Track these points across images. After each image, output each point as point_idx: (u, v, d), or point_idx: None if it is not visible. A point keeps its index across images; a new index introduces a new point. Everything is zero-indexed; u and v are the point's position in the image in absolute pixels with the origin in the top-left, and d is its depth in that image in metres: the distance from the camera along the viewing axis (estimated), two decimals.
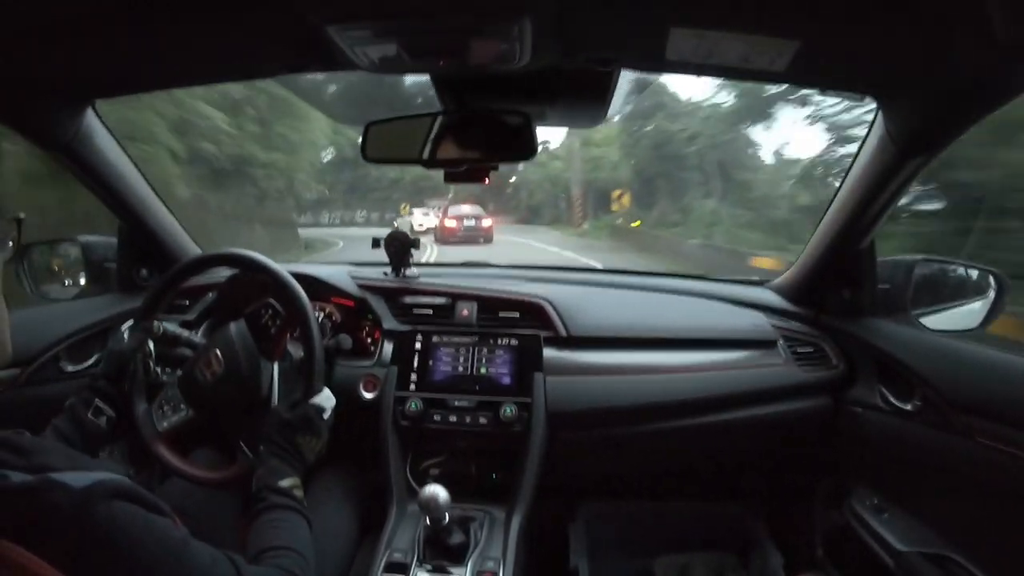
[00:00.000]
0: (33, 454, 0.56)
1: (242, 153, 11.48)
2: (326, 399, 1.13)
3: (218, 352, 1.15)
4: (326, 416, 1.11)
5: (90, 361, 1.47)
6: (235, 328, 1.19)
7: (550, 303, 1.49)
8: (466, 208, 16.56)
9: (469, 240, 15.06)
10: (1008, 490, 1.04)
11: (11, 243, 0.70)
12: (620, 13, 0.86)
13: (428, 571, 1.15)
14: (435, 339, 1.45)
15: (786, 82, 1.05)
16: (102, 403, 1.09)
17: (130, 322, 1.23)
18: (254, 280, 1.40)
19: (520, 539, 1.25)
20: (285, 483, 0.96)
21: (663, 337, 1.47)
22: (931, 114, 1.05)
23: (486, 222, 15.92)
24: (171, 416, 1.19)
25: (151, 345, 1.19)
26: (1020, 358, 1.08)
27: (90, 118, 1.31)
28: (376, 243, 1.64)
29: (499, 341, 1.43)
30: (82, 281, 1.59)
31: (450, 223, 15.47)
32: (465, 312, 1.51)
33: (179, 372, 1.22)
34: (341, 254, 13.92)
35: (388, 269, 1.64)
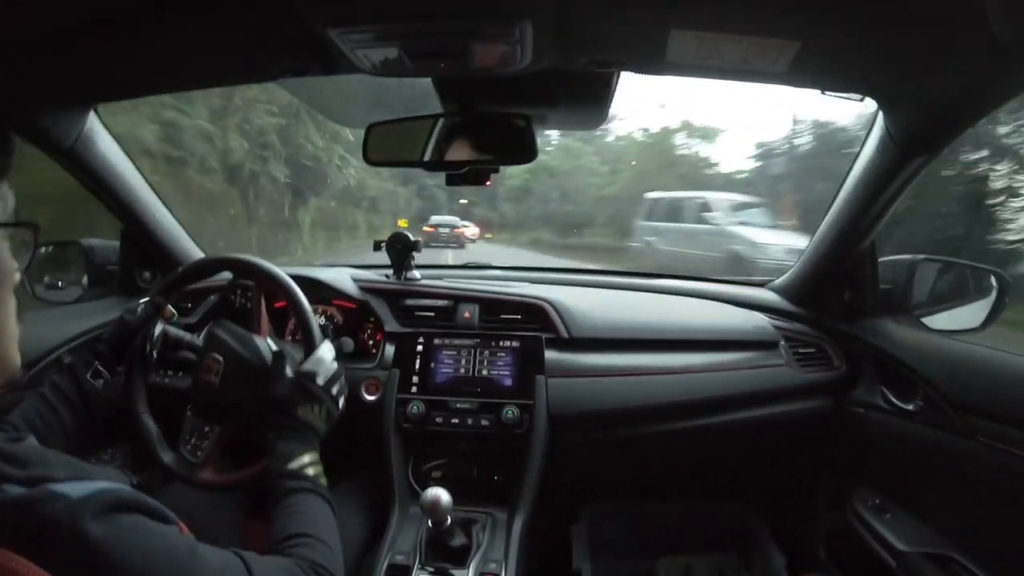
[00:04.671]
0: (32, 465, 0.54)
1: None
2: (314, 363, 1.08)
3: (213, 353, 1.15)
4: (319, 380, 1.06)
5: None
6: (216, 325, 1.19)
7: (551, 305, 1.49)
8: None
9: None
10: (1010, 490, 1.03)
11: (29, 251, 0.69)
12: (620, 16, 0.87)
13: (430, 573, 1.15)
14: (437, 341, 1.45)
15: (786, 83, 1.05)
16: (101, 366, 1.09)
17: (146, 298, 1.21)
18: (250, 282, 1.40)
19: (522, 541, 1.25)
20: (295, 464, 0.93)
21: (665, 338, 1.47)
22: (931, 114, 1.05)
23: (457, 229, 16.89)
24: (202, 445, 1.16)
25: (157, 334, 1.18)
26: (1022, 357, 1.08)
27: (92, 122, 1.32)
28: (377, 246, 1.64)
29: (500, 343, 1.43)
30: (84, 284, 1.59)
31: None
32: (467, 314, 1.51)
33: (181, 373, 1.21)
34: None
35: (389, 271, 1.64)
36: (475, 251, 14.53)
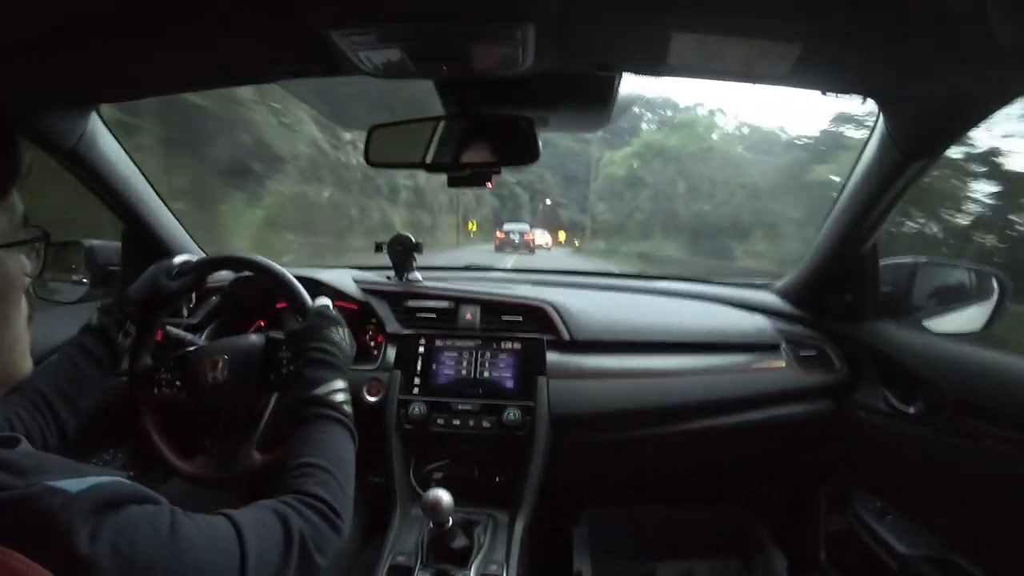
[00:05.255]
0: (30, 473, 0.54)
1: None
2: (321, 299, 1.12)
3: (226, 358, 1.16)
4: (333, 311, 1.09)
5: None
6: (251, 344, 1.19)
7: (553, 307, 1.49)
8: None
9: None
10: (1012, 493, 1.03)
11: (39, 258, 0.69)
12: (621, 18, 0.87)
13: (431, 575, 1.15)
14: (438, 343, 1.46)
15: (787, 85, 1.05)
16: (131, 326, 1.10)
17: (186, 256, 1.22)
18: (258, 282, 1.40)
19: (523, 543, 1.25)
20: (320, 390, 0.92)
21: (666, 341, 1.47)
22: (932, 117, 1.05)
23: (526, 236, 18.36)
24: (164, 388, 1.20)
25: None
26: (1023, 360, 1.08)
27: (94, 122, 1.32)
28: (379, 247, 1.64)
29: (502, 345, 1.43)
30: (87, 285, 1.59)
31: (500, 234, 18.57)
32: (468, 316, 1.51)
33: (190, 348, 1.23)
34: None
35: (391, 273, 1.64)
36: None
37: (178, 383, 1.20)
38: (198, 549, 0.59)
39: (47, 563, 0.48)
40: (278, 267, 1.19)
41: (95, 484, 0.55)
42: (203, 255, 1.68)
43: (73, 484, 0.53)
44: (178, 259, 1.21)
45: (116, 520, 0.54)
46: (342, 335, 1.04)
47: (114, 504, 0.55)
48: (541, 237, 19.80)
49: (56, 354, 1.03)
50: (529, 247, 17.64)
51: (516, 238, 17.61)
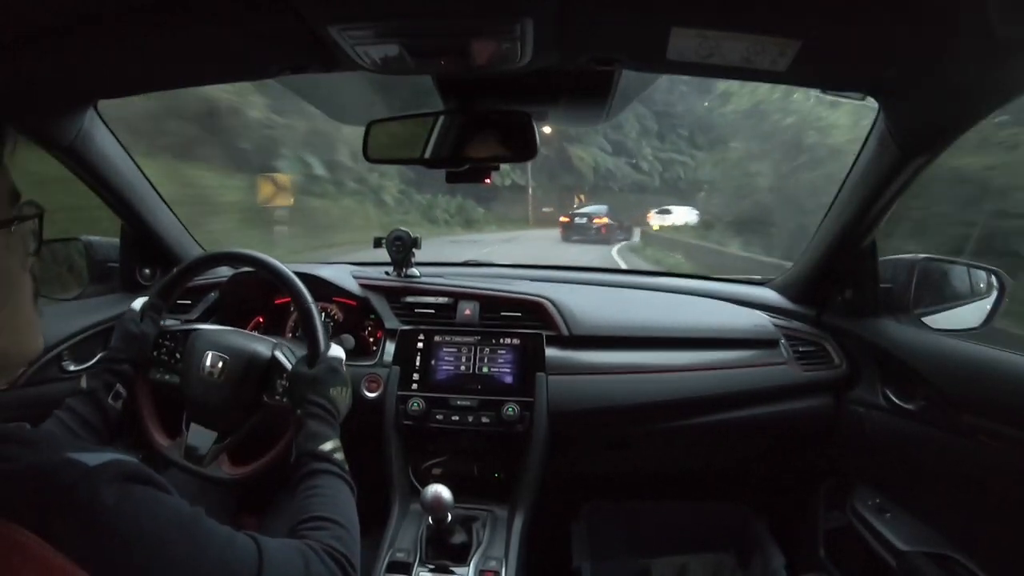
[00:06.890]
0: (40, 446, 0.54)
1: None
2: (335, 350, 1.12)
3: (227, 359, 1.15)
4: (344, 368, 1.10)
5: (93, 361, 1.47)
6: (255, 355, 1.17)
7: (552, 302, 1.49)
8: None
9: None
10: (1010, 490, 1.04)
11: (36, 238, 0.69)
12: (621, 13, 0.86)
13: (430, 570, 1.15)
14: (437, 338, 1.45)
15: (787, 82, 1.05)
16: (122, 387, 1.10)
17: (143, 299, 1.22)
18: (257, 279, 1.40)
19: (522, 538, 1.25)
20: (326, 447, 0.94)
21: (665, 336, 1.47)
22: (932, 114, 1.05)
23: (597, 220, 15.92)
24: (163, 355, 1.20)
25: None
26: (1023, 357, 1.08)
27: (92, 118, 1.32)
28: (378, 242, 1.64)
29: (501, 340, 1.43)
30: (85, 281, 1.59)
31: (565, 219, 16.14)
32: (467, 311, 1.51)
33: (198, 327, 1.23)
34: None
35: (390, 268, 1.64)
36: None
37: (178, 355, 1.19)
38: (217, 547, 0.60)
39: (59, 538, 0.48)
40: (307, 296, 1.16)
41: (113, 458, 0.55)
42: (200, 251, 1.68)
43: (90, 457, 0.54)
44: (136, 303, 1.22)
45: (139, 492, 0.55)
46: (344, 395, 1.06)
47: (133, 478, 0.56)
48: (653, 217, 16.15)
49: (48, 419, 1.02)
50: (604, 237, 14.87)
51: (582, 220, 15.31)
